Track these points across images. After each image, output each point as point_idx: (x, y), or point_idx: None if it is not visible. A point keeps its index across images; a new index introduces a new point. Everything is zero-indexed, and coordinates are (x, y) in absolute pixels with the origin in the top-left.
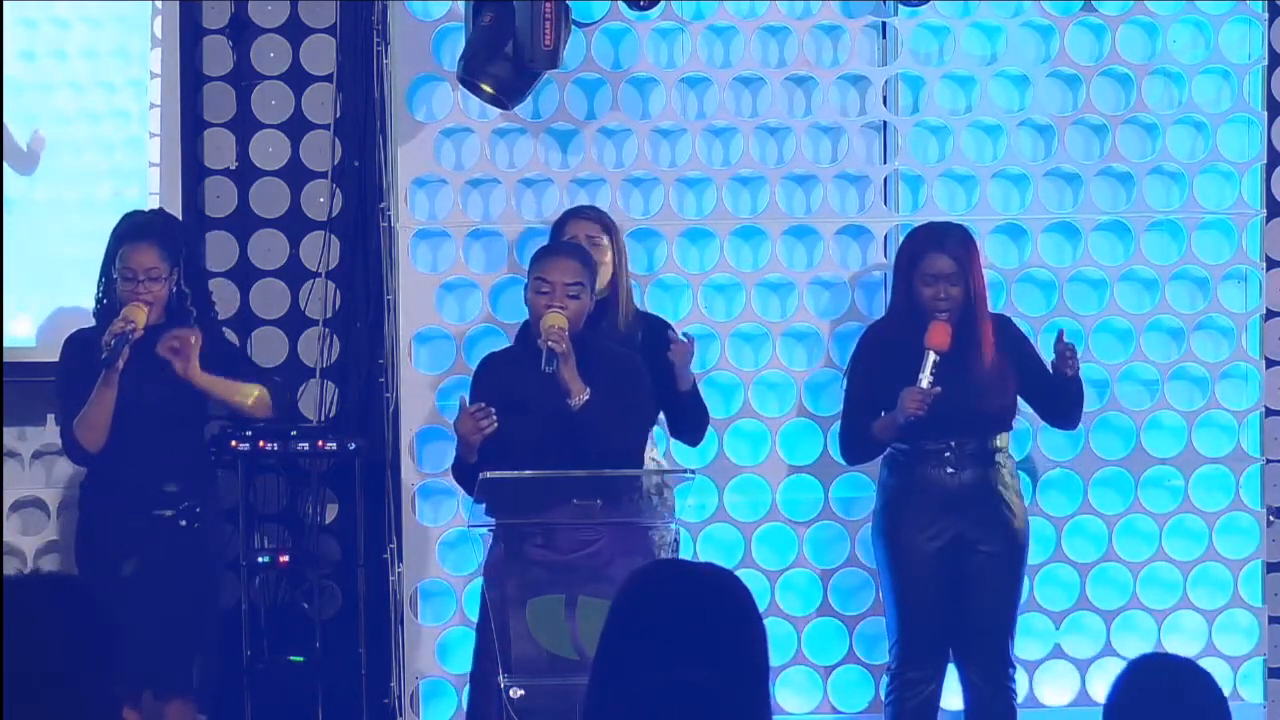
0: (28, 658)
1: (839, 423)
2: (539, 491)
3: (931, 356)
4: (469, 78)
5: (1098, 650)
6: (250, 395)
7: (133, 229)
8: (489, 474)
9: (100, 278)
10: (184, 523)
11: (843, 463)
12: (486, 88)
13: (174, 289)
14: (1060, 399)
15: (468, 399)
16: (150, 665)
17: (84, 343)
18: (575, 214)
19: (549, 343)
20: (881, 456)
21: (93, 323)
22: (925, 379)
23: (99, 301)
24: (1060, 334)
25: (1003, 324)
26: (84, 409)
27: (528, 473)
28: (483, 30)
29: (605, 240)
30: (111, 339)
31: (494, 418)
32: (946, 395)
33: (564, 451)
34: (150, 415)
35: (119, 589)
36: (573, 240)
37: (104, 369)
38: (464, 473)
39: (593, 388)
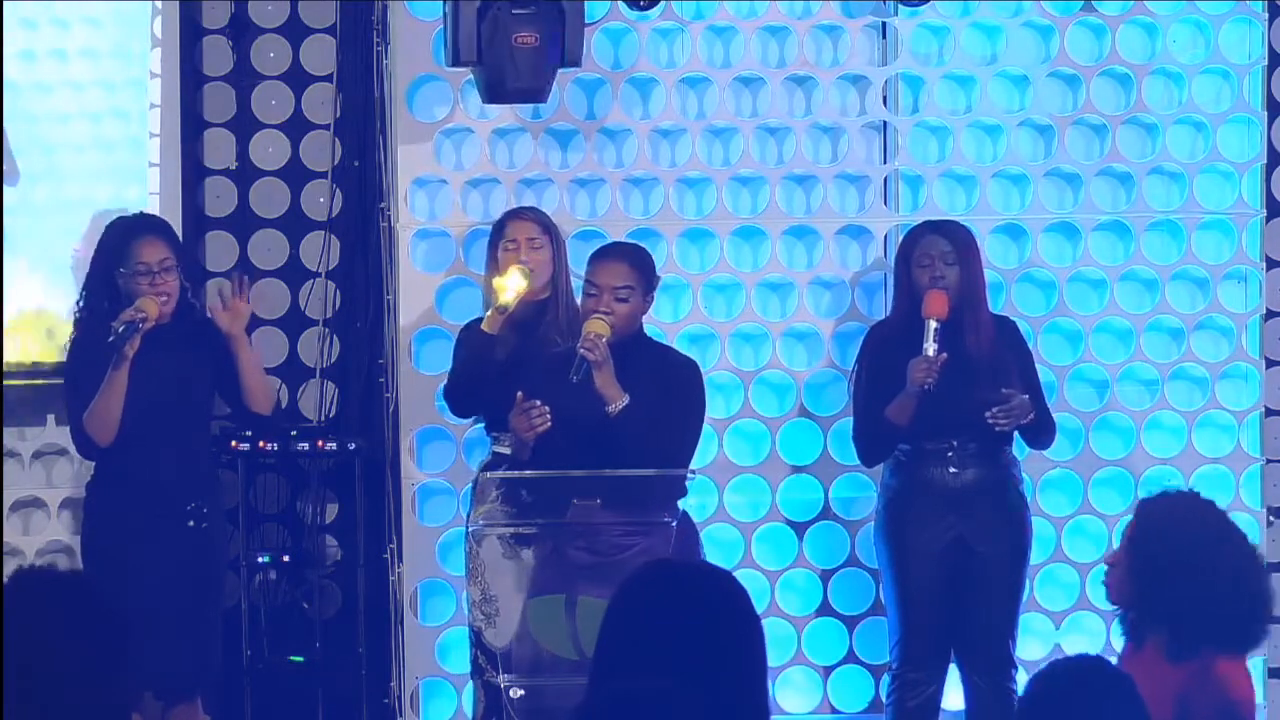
0: (33, 654)
1: (851, 428)
2: (545, 492)
3: (932, 324)
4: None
5: (1097, 650)
6: (271, 384)
7: (134, 225)
8: (488, 474)
9: (83, 287)
10: (192, 523)
11: (845, 461)
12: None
13: (183, 284)
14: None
15: (521, 395)
16: (155, 668)
17: (90, 342)
18: (515, 215)
19: (582, 349)
20: None
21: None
22: (930, 347)
23: (80, 310)
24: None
25: (1006, 325)
26: (94, 400)
27: (528, 473)
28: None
29: (545, 240)
30: (121, 325)
31: (547, 416)
32: (945, 386)
33: (601, 457)
34: (158, 415)
35: (126, 589)
36: (619, 244)
37: (114, 355)
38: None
39: (637, 393)
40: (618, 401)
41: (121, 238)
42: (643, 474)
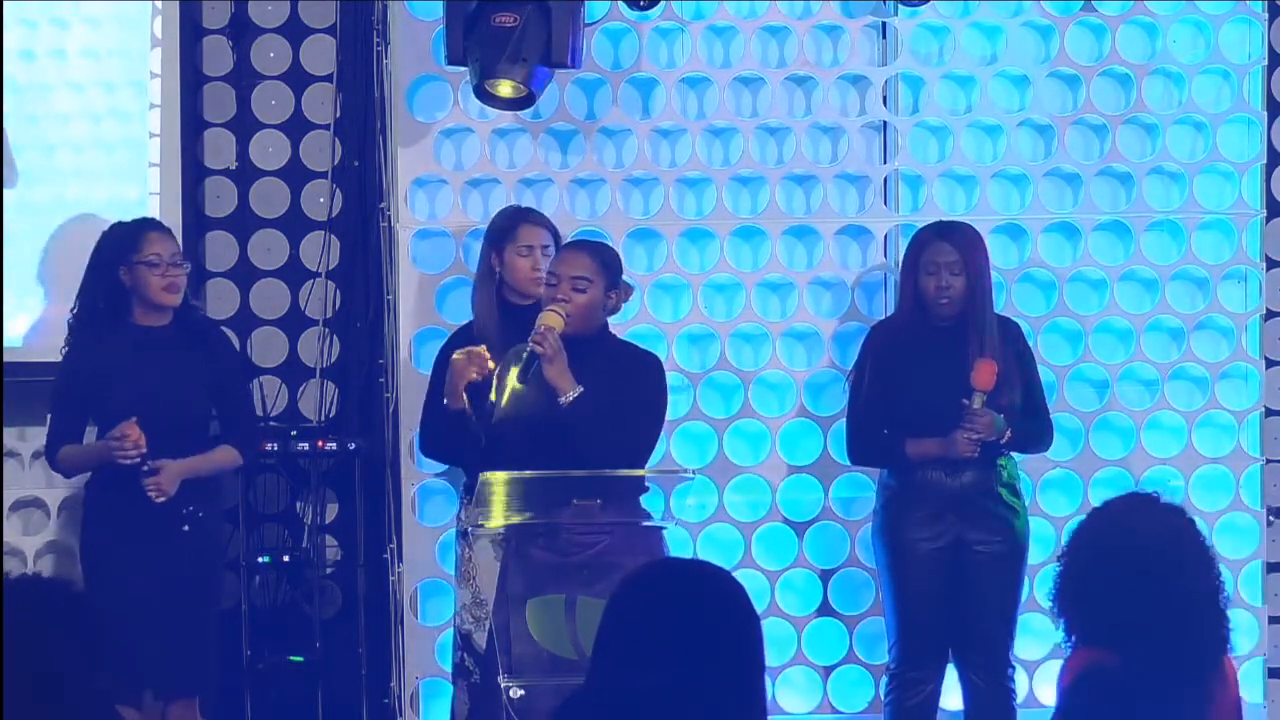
0: (15, 659)
1: (845, 423)
2: (539, 492)
3: (979, 397)
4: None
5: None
6: (228, 458)
7: (141, 223)
8: (488, 474)
9: (79, 291)
10: (187, 528)
11: (845, 461)
12: (506, 90)
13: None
14: (1022, 432)
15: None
16: (153, 666)
17: (81, 349)
18: (527, 219)
19: (532, 342)
20: None
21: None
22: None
23: (73, 317)
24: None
25: (1008, 327)
26: (75, 454)
27: (527, 473)
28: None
29: (554, 246)
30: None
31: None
32: (947, 391)
33: (558, 450)
34: (157, 416)
35: (123, 589)
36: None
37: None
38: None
39: (592, 386)
40: (569, 392)
41: (128, 235)
42: (639, 474)
